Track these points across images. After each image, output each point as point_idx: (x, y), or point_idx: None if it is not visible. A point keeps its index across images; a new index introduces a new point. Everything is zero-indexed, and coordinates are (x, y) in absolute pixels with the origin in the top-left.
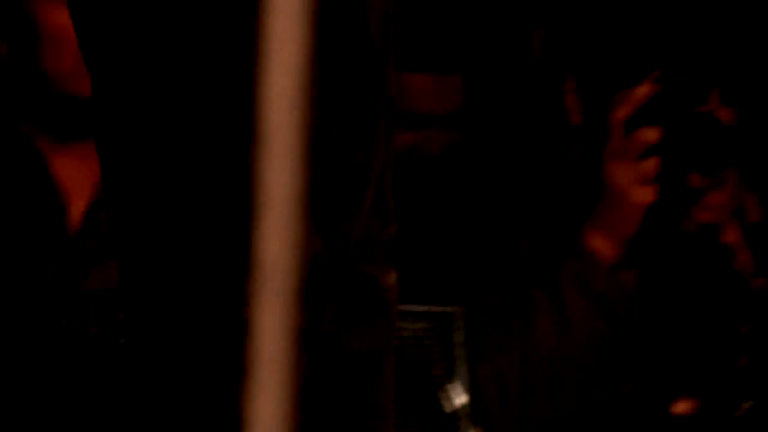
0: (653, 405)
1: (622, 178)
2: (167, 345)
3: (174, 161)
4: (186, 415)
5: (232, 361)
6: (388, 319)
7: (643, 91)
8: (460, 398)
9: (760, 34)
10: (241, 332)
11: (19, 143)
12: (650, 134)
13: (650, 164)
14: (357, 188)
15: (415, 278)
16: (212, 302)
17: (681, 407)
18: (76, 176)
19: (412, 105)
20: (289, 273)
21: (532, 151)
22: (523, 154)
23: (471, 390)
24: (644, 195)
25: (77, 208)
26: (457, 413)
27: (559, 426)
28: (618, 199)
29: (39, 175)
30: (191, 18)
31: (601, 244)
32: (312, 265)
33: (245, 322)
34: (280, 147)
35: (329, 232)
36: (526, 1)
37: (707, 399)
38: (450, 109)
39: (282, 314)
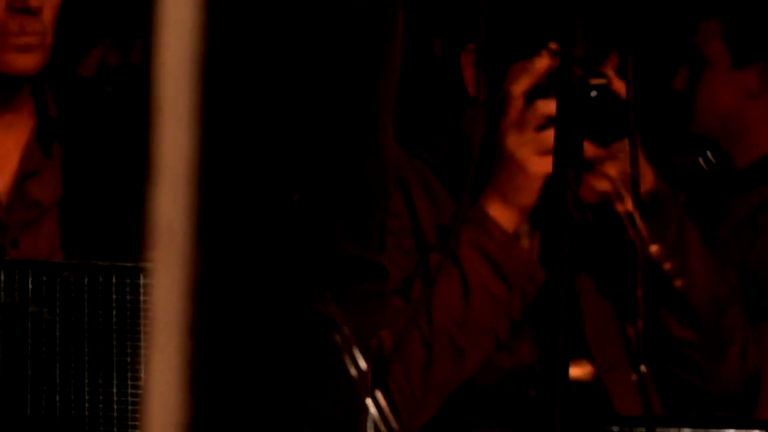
0: (555, 371)
1: (521, 149)
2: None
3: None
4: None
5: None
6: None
7: (541, 64)
8: (362, 363)
9: (656, 8)
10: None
11: None
12: (549, 106)
13: (549, 135)
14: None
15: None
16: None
17: (579, 372)
18: (2, 147)
19: None
20: (183, 235)
21: (431, 123)
22: (422, 127)
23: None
24: (543, 165)
25: (4, 178)
26: (360, 377)
27: (461, 391)
28: (517, 170)
29: None
30: None
31: (500, 213)
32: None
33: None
34: (173, 118)
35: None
36: None
37: (605, 364)
38: None
39: (176, 274)
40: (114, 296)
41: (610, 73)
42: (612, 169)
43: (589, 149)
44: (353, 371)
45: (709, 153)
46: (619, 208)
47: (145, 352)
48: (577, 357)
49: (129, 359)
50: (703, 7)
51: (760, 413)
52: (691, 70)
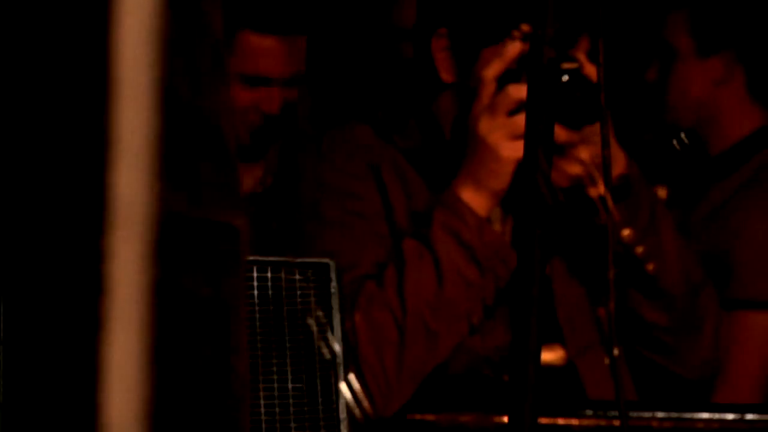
0: (528, 355)
1: (493, 134)
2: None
3: (27, 106)
4: (39, 365)
5: (87, 307)
6: (238, 263)
7: (512, 48)
8: (336, 346)
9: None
10: (97, 277)
11: None
12: (520, 91)
13: (520, 120)
14: (204, 137)
15: (290, 230)
16: (66, 248)
17: (551, 356)
18: None
19: (257, 66)
20: (144, 215)
21: (399, 106)
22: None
23: (345, 338)
24: (515, 150)
25: None
26: (333, 360)
27: (434, 375)
28: (489, 154)
29: None
30: None
31: (473, 198)
32: (163, 213)
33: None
34: (132, 91)
35: (180, 181)
36: None
37: (578, 348)
38: (293, 70)
39: (137, 257)
40: None
41: (582, 57)
42: (584, 153)
43: (561, 133)
44: (325, 354)
45: (683, 134)
46: (591, 191)
47: (105, 333)
48: (550, 341)
49: None
50: (669, 1)
51: (720, 396)
52: (662, 61)
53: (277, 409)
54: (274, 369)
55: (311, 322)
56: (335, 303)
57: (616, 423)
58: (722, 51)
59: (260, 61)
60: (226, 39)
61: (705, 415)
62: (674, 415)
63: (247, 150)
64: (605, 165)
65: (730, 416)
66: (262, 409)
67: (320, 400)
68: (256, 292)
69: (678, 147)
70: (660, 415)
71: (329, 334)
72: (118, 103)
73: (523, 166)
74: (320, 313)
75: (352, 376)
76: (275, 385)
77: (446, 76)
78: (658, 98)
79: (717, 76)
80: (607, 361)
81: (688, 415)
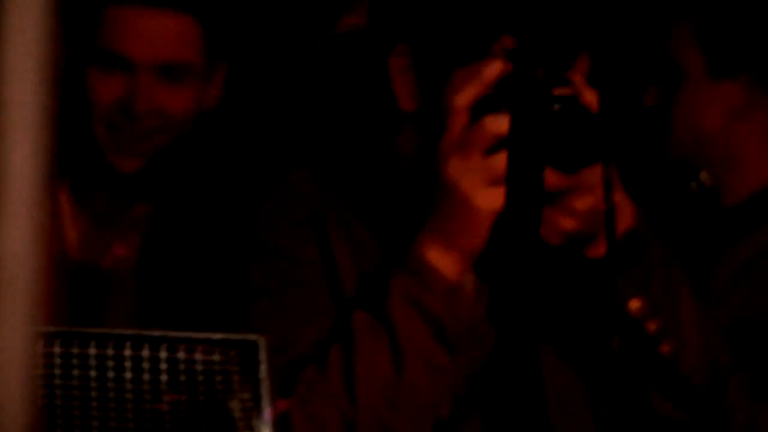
0: None
1: (465, 178)
2: None
3: None
4: None
5: None
6: None
7: (492, 69)
8: None
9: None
10: None
11: None
12: (500, 123)
13: (500, 160)
14: None
15: (205, 297)
16: None
17: None
18: None
19: (114, 42)
20: (35, 268)
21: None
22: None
23: None
24: (493, 198)
25: None
26: None
27: None
28: (461, 204)
29: None
30: None
31: (440, 259)
32: None
33: None
34: (22, 126)
35: None
36: None
37: None
38: (171, 57)
39: (24, 314)
40: None
41: (579, 80)
42: (580, 203)
43: (552, 178)
44: None
45: (703, 174)
46: (590, 251)
47: None
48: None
49: None
50: (674, 7)
51: None
52: (664, 83)
53: None
54: None
55: (236, 412)
56: (265, 391)
57: None
58: (740, 73)
59: (118, 37)
60: (93, 14)
61: None
62: None
63: (124, 179)
64: (608, 218)
65: None
66: None
67: None
68: (164, 377)
69: (697, 190)
70: None
71: (257, 428)
72: (7, 140)
73: (503, 220)
74: (246, 403)
75: None
76: None
77: (406, 104)
78: (659, 129)
79: (734, 104)
80: None
81: None
